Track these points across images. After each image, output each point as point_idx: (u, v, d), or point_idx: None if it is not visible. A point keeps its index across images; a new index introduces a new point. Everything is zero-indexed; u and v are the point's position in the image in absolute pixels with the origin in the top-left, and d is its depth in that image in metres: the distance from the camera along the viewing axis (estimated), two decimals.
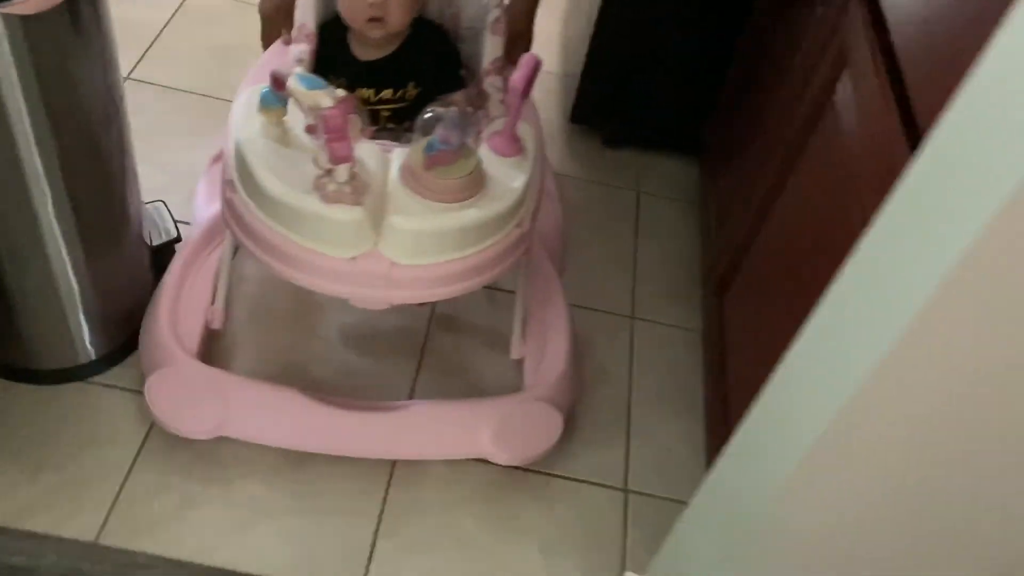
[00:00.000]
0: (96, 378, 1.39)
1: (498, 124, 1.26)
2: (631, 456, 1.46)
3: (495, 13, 1.35)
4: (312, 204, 1.12)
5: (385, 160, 1.20)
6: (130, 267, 1.41)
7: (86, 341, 1.36)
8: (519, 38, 1.43)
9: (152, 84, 1.88)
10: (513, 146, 1.25)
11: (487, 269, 1.23)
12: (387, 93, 1.34)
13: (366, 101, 1.33)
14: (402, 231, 1.15)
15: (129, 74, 1.87)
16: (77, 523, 1.23)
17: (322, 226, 1.14)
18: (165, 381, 1.31)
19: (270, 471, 1.33)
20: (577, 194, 1.88)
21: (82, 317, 1.33)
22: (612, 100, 1.91)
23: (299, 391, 1.34)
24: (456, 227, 1.17)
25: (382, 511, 1.32)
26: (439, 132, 1.14)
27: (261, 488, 1.31)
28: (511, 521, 1.35)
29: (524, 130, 1.29)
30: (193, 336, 1.38)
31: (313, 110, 1.09)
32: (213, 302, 1.43)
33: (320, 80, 1.11)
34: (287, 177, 1.14)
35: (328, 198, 1.12)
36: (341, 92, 1.10)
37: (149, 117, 1.76)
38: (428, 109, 1.18)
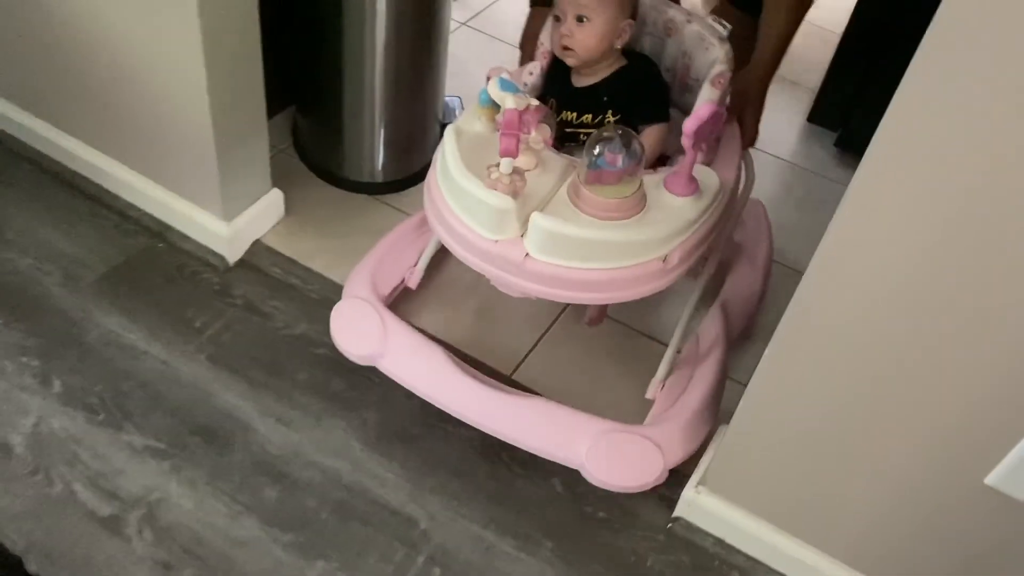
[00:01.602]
0: (378, 195, 1.88)
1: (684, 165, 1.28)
2: None
3: (719, 68, 1.36)
4: (473, 185, 1.23)
5: (567, 171, 1.29)
6: (421, 123, 1.86)
7: (379, 166, 1.85)
8: (746, 100, 1.49)
9: (480, 32, 2.42)
10: (686, 187, 1.28)
11: (615, 288, 1.27)
12: (587, 118, 1.41)
13: (568, 123, 1.41)
14: (539, 227, 1.21)
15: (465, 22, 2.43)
16: (338, 273, 1.68)
17: (477, 206, 1.24)
18: (347, 307, 1.51)
19: None
20: (802, 182, 2.12)
21: (381, 145, 1.81)
22: (847, 108, 2.11)
23: (444, 352, 1.44)
24: (587, 238, 1.23)
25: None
26: (605, 152, 1.21)
27: None
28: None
29: (707, 176, 1.31)
30: (388, 284, 1.57)
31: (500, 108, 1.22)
32: (416, 265, 1.61)
33: (514, 85, 1.24)
34: (470, 162, 1.26)
35: (488, 184, 1.23)
36: (534, 102, 1.23)
37: (466, 53, 2.29)
38: (603, 130, 1.25)
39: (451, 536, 1.37)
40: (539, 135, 1.28)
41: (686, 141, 1.23)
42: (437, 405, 1.43)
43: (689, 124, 1.22)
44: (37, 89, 1.73)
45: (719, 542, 1.41)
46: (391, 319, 1.48)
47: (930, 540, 1.23)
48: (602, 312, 1.66)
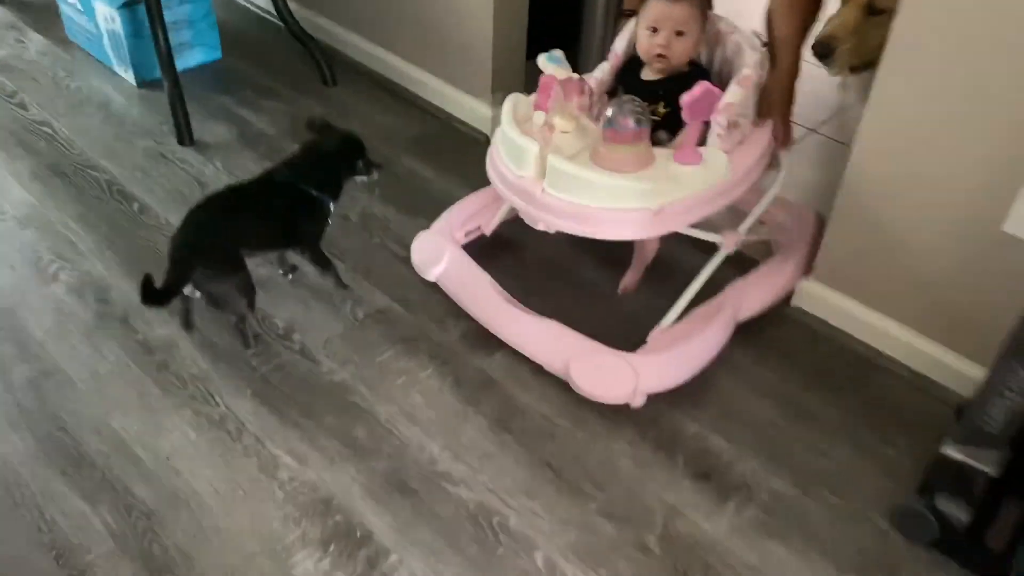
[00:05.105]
0: None
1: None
2: None
3: (745, 71, 1.59)
4: (512, 131, 1.53)
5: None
6: None
7: None
8: (771, 102, 1.69)
9: None
10: (689, 157, 1.50)
11: (607, 226, 1.49)
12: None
13: None
14: (553, 167, 1.47)
15: None
16: None
17: (511, 145, 1.53)
18: (427, 235, 1.91)
19: None
20: None
21: None
22: None
23: (488, 278, 1.76)
24: (587, 178, 1.45)
25: None
26: (617, 116, 1.46)
27: None
28: None
29: (714, 155, 1.52)
30: (465, 226, 1.93)
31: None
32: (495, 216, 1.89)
33: (560, 59, 1.53)
34: (523, 113, 1.59)
35: (522, 129, 1.53)
36: (575, 76, 1.53)
37: None
38: (623, 98, 1.48)
39: None
40: (578, 103, 1.54)
41: (684, 113, 1.47)
42: (471, 315, 1.77)
43: (685, 98, 1.47)
44: (372, 20, 2.58)
45: (823, 322, 1.88)
46: (453, 248, 1.84)
47: (980, 299, 1.62)
48: (635, 281, 1.89)
